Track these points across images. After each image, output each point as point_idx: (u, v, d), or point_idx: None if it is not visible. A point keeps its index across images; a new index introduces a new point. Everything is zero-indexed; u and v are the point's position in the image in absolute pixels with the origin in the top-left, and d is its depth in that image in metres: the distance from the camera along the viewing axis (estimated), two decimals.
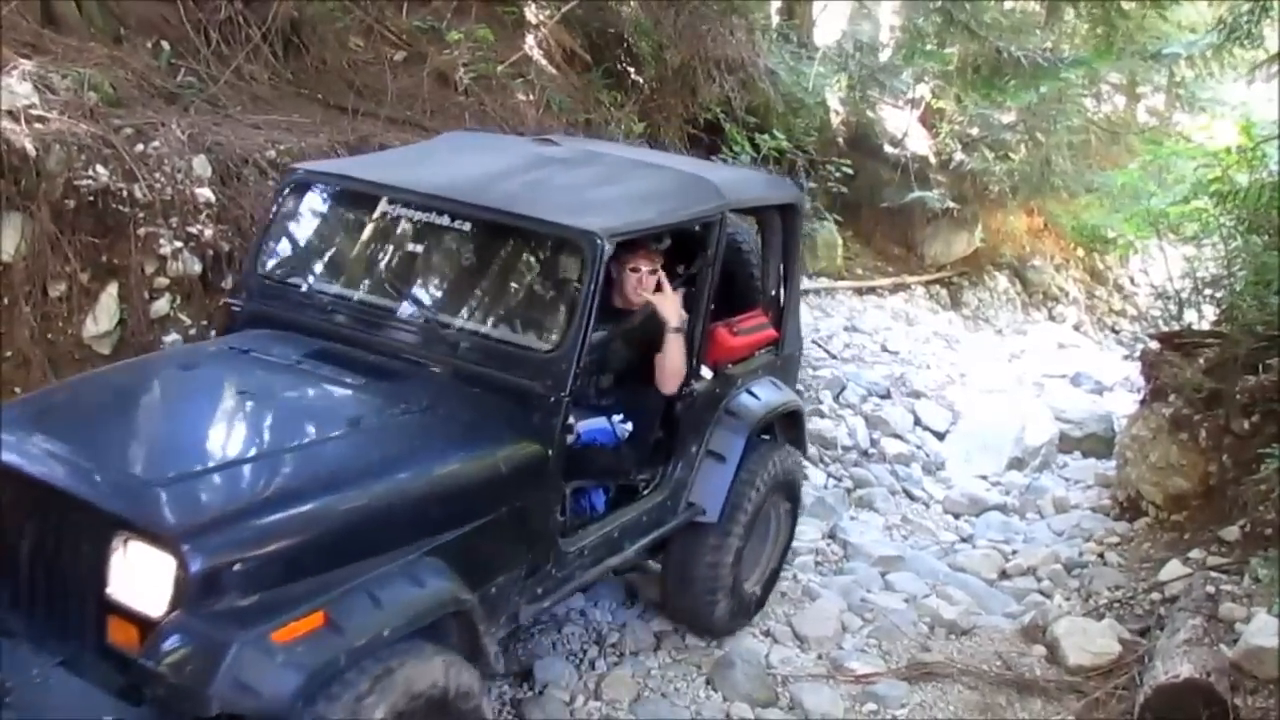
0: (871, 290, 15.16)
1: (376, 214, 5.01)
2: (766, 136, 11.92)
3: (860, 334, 12.96)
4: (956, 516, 8.62)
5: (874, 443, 9.67)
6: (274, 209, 5.12)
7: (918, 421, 10.36)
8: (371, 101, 8.28)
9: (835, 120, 15.66)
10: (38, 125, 5.85)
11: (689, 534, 5.47)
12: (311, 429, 3.97)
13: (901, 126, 16.42)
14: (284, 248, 5.16)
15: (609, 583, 6.19)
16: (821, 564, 7.30)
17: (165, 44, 7.63)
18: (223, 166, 6.57)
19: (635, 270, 5.07)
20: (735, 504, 5.47)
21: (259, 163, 6.75)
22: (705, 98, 12.16)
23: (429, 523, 3.77)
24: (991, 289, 16.84)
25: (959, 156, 16.14)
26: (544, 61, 10.38)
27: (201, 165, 6.42)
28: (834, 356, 11.84)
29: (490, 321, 4.70)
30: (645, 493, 5.13)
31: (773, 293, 6.14)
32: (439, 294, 4.95)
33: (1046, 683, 5.95)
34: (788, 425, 6.16)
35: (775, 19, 15.56)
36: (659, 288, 5.11)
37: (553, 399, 4.23)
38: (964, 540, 8.18)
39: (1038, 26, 15.70)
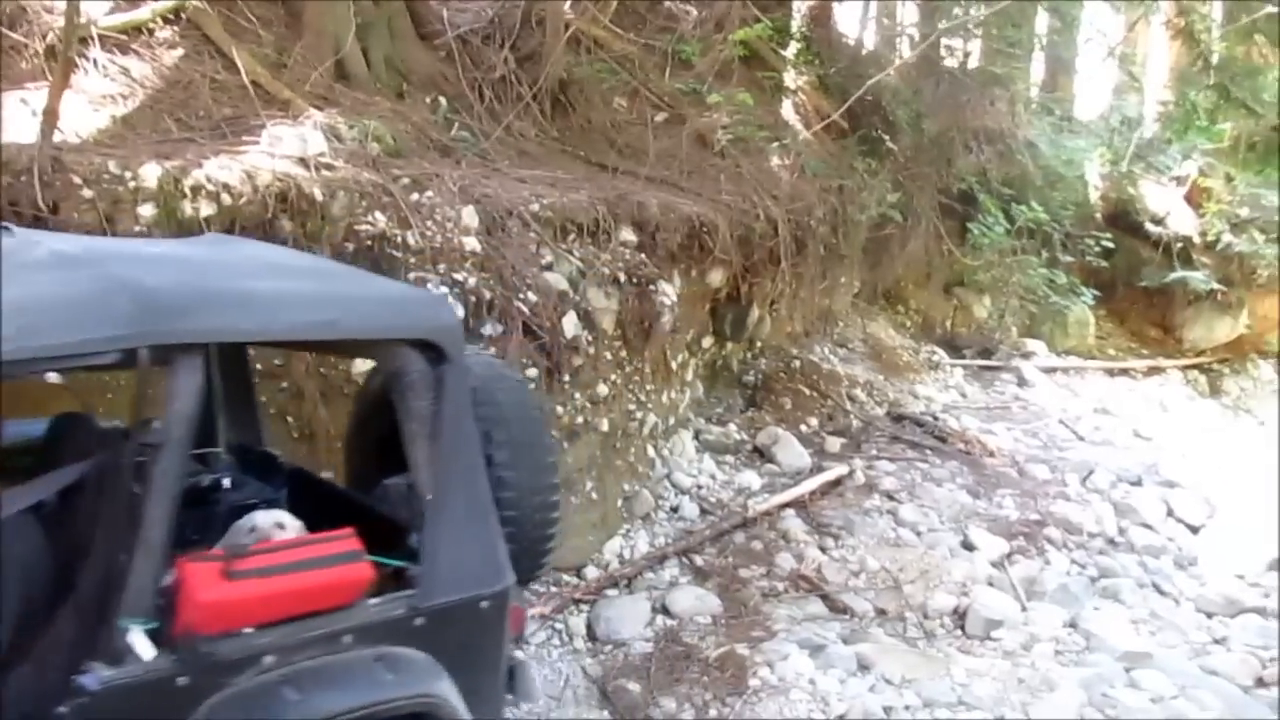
0: (1124, 372, 14.62)
1: None
2: (1024, 208, 11.68)
3: (1111, 417, 12.52)
4: (1209, 616, 8.12)
5: (1122, 531, 9.25)
6: None
7: (1170, 512, 9.85)
8: (632, 160, 8.53)
9: (1094, 195, 15.24)
10: (325, 173, 6.24)
11: None
12: None
13: (1165, 204, 15.79)
14: None
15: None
16: (1062, 653, 7.02)
17: (443, 100, 8.08)
18: (489, 218, 6.86)
19: None
20: None
21: (523, 215, 7.03)
22: (961, 168, 12.05)
23: None
24: (1255, 378, 15.93)
25: (1226, 237, 15.38)
26: (800, 126, 10.47)
27: (470, 216, 6.72)
28: (1082, 439, 11.46)
29: None
30: None
31: (423, 491, 3.42)
32: None
33: None
34: None
35: (1037, 90, 15.29)
36: None
37: None
38: (1217, 642, 7.71)
39: None
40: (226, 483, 4.01)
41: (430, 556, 3.36)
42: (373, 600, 3.26)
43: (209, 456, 4.19)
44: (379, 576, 3.26)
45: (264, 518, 3.41)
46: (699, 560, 7.44)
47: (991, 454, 10.26)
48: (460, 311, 6.41)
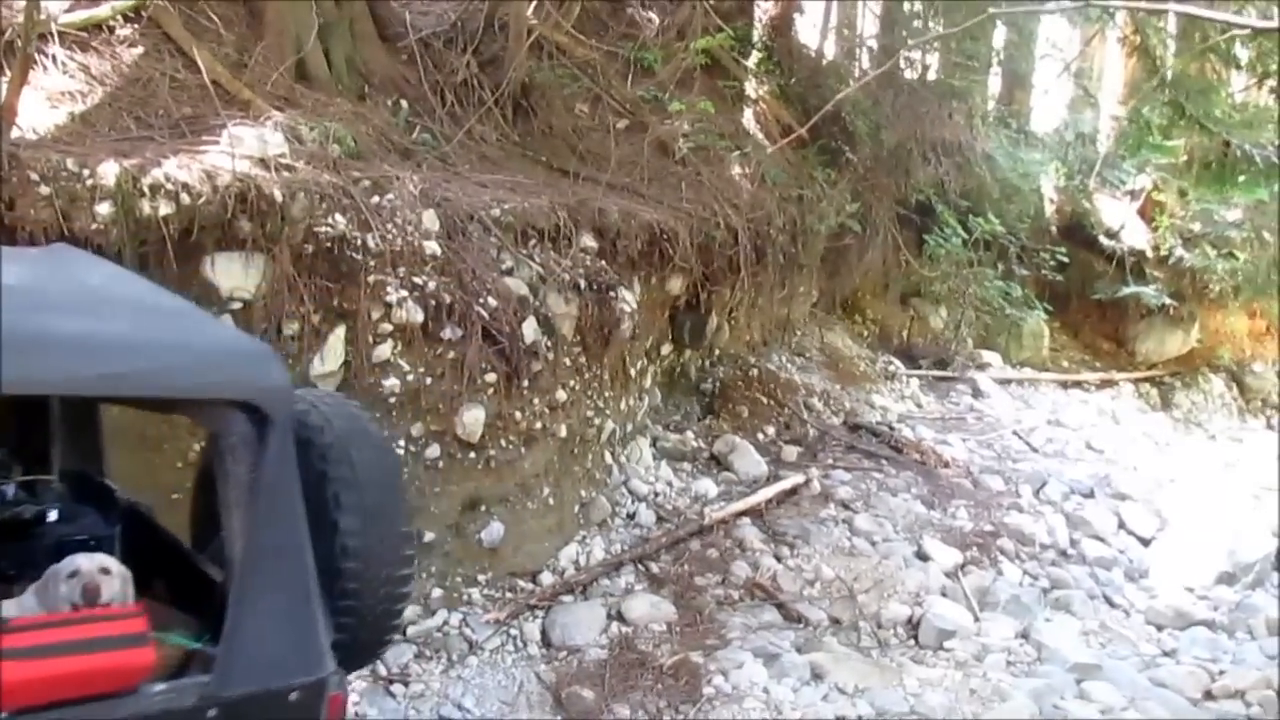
0: (1077, 384, 14.77)
1: None
2: (980, 220, 11.79)
3: (1063, 429, 12.63)
4: (1159, 628, 8.22)
5: (1074, 543, 9.34)
6: None
7: (1122, 525, 9.96)
8: (593, 166, 8.52)
9: (1049, 208, 15.39)
10: (285, 174, 6.19)
11: None
12: None
13: (1119, 218, 15.96)
14: None
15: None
16: (1013, 664, 7.07)
17: (404, 103, 8.05)
18: (449, 221, 6.83)
19: None
20: None
21: (483, 220, 7.00)
22: (919, 179, 12.14)
23: None
24: (1206, 392, 16.14)
25: (1179, 252, 15.56)
26: (761, 136, 10.50)
27: (430, 219, 6.69)
28: (1035, 450, 11.56)
29: None
30: None
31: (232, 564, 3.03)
32: None
33: None
34: None
35: (994, 104, 15.44)
36: None
37: None
38: (1166, 654, 7.79)
39: (1272, 121, 15.11)
40: (53, 515, 3.72)
41: (232, 638, 2.89)
42: (158, 687, 2.81)
43: (37, 484, 3.90)
44: (185, 654, 2.96)
45: (87, 562, 3.04)
46: (655, 567, 7.45)
47: (946, 464, 10.33)
48: (420, 315, 6.41)
